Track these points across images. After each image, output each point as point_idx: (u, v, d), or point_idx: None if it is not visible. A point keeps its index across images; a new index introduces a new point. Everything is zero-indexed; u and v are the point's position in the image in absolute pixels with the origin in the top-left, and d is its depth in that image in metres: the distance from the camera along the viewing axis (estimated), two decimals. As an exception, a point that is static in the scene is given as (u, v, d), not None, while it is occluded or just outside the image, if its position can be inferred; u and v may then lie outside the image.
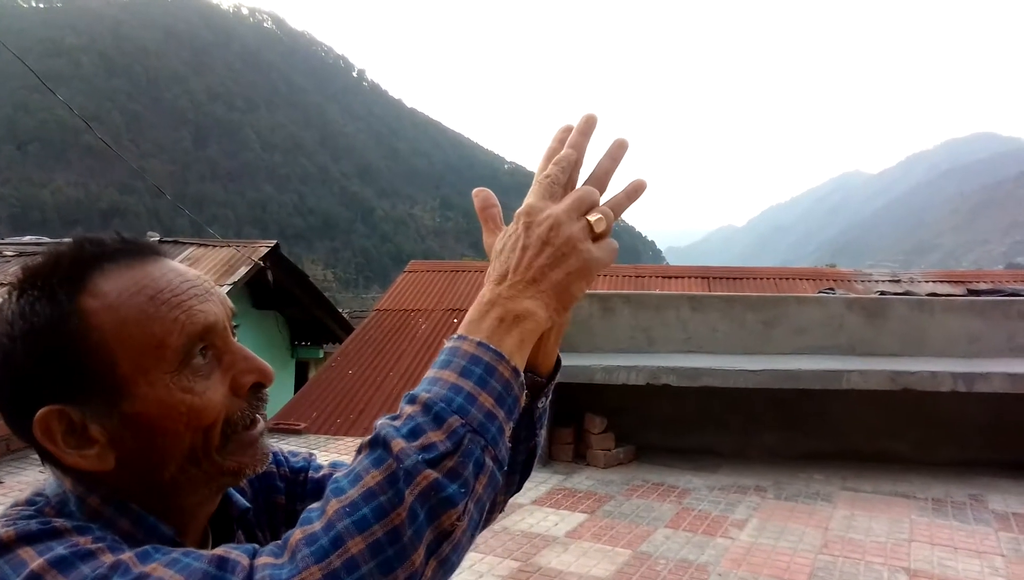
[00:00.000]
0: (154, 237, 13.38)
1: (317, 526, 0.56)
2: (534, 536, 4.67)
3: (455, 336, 0.66)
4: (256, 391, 0.71)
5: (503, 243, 0.70)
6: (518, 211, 0.71)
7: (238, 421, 0.69)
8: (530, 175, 0.79)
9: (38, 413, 0.63)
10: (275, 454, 0.89)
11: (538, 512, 5.14)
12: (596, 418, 6.49)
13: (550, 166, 0.73)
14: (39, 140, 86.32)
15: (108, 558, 0.56)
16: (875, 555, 4.43)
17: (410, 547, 0.55)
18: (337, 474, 0.59)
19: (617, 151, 0.75)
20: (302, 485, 0.89)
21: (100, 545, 0.58)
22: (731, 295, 8.53)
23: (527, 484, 5.57)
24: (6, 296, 0.66)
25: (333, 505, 0.56)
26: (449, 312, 11.24)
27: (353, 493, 0.56)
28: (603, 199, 0.73)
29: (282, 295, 13.44)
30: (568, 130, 0.76)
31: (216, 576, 0.55)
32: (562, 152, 0.73)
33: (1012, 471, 6.23)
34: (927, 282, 13.17)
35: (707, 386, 6.21)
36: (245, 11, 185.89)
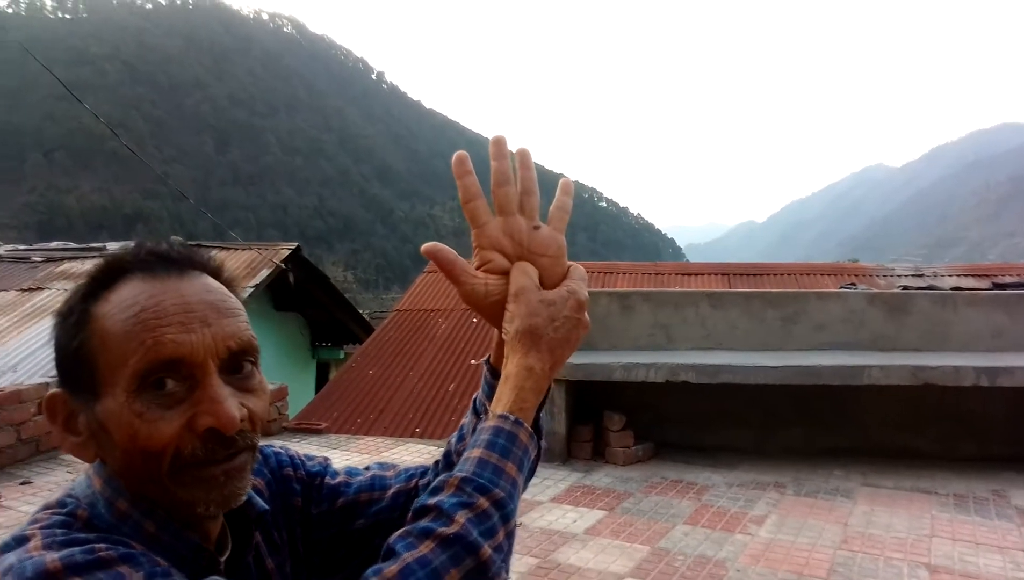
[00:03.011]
0: (177, 241, 13.59)
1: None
2: (553, 533, 4.70)
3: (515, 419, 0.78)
4: (216, 435, 0.69)
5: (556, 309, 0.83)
6: (574, 286, 0.82)
7: (187, 457, 0.68)
8: (548, 174, 0.88)
9: (47, 393, 0.71)
10: (292, 457, 0.93)
11: (557, 509, 5.17)
12: (615, 415, 6.51)
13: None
14: (65, 148, 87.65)
15: None
16: (895, 551, 4.42)
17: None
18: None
19: (524, 159, 0.84)
20: (318, 489, 0.91)
21: (141, 574, 0.60)
22: (750, 291, 8.50)
23: (546, 482, 5.60)
24: None
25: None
26: (468, 312, 11.29)
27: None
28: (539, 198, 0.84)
29: (303, 297, 13.57)
30: (500, 142, 0.83)
31: None
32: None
33: (1037, 466, 6.15)
34: (951, 276, 12.99)
35: (726, 383, 6.21)
36: (265, 16, 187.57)
